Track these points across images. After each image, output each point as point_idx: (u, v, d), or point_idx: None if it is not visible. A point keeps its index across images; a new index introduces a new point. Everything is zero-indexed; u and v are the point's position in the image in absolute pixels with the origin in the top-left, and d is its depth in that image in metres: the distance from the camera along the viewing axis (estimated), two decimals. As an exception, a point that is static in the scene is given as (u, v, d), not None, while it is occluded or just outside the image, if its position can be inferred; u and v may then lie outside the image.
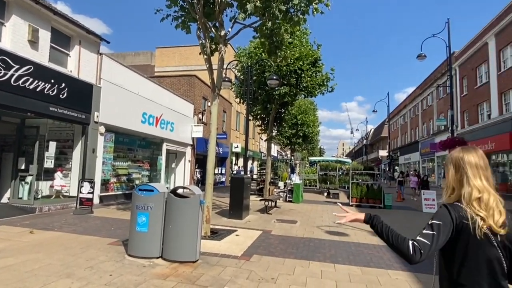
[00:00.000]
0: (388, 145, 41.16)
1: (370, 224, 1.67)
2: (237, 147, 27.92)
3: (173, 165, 17.78)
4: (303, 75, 12.62)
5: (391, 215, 11.56)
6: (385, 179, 36.27)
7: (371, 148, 67.22)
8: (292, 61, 12.27)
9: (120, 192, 12.64)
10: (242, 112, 29.53)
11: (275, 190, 15.65)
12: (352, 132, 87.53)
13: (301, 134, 26.13)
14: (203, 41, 7.27)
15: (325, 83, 13.51)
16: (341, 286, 4.31)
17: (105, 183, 11.89)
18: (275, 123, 15.81)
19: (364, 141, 60.92)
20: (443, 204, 1.56)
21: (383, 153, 51.95)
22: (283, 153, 56.20)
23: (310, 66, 12.78)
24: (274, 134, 20.02)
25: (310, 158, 26.01)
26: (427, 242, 1.43)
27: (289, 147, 29.41)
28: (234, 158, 30.18)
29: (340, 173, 23.96)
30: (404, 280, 4.65)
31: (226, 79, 11.45)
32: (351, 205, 13.89)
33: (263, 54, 11.93)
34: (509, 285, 1.47)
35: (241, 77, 14.21)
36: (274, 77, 10.78)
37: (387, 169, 40.69)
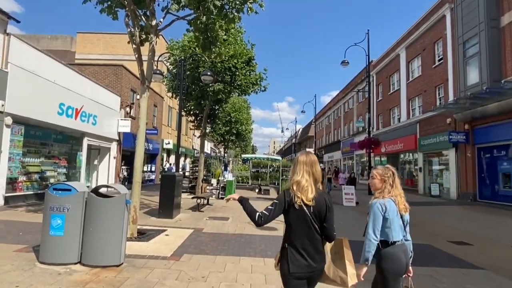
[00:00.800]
0: (314, 143, 43.90)
1: (240, 203, 2.41)
2: (169, 143, 26.91)
3: (96, 162, 16.37)
4: (237, 73, 12.68)
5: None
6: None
7: (299, 147, 70.74)
8: (227, 58, 12.24)
9: (31, 192, 11.18)
10: (175, 107, 28.56)
11: (207, 187, 15.49)
12: (282, 131, 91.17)
13: (235, 132, 26.31)
14: (132, 30, 6.79)
15: (258, 82, 13.80)
16: (270, 279, 4.44)
17: (11, 182, 10.39)
18: (208, 120, 15.62)
19: (293, 140, 63.94)
20: (284, 190, 2.38)
21: (310, 151, 55.01)
22: (217, 150, 55.88)
23: (244, 65, 12.90)
24: (207, 131, 19.76)
25: (243, 155, 26.38)
26: (267, 213, 2.26)
27: (223, 144, 29.38)
28: (165, 155, 29.03)
29: (271, 170, 24.79)
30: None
31: (157, 72, 10.92)
32: (281, 201, 14.46)
33: (197, 49, 11.66)
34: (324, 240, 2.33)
35: (174, 70, 13.68)
36: (209, 73, 10.62)
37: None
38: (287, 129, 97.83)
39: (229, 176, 15.35)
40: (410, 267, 2.82)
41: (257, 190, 18.78)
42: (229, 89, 13.09)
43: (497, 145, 14.34)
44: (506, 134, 13.60)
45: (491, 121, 14.34)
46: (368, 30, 18.61)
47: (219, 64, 12.29)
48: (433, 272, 4.99)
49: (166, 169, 24.80)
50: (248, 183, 22.98)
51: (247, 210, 2.36)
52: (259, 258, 5.42)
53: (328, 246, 2.44)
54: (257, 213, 2.28)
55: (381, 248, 2.68)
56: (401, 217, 2.75)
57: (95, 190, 5.01)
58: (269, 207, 2.29)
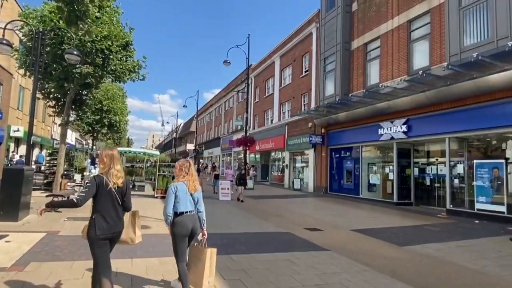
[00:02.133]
0: (195, 139, 43.79)
1: (49, 207, 3.07)
2: (18, 130, 22.18)
3: None
4: (111, 56, 11.40)
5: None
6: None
7: (180, 141, 69.35)
8: (99, 38, 10.86)
9: None
10: (28, 88, 23.70)
11: (68, 184, 13.45)
12: (163, 125, 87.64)
13: (107, 122, 23.72)
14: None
15: (136, 70, 12.75)
16: (136, 280, 4.16)
17: None
18: (73, 106, 13.56)
19: (174, 134, 62.20)
20: (94, 176, 3.06)
21: (190, 146, 54.73)
22: (84, 142, 49.31)
23: (120, 49, 11.70)
24: (71, 119, 17.18)
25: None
26: (83, 194, 2.91)
27: (91, 135, 26.09)
28: (12, 144, 23.81)
29: (148, 165, 23.41)
30: (198, 263, 4.99)
31: (4, 42, 8.80)
32: (156, 197, 13.82)
33: (61, 22, 9.93)
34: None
35: (29, 43, 11.31)
36: (75, 52, 9.18)
37: (193, 162, 43.14)
38: (167, 122, 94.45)
39: (96, 171, 13.71)
40: (205, 230, 3.86)
41: (130, 187, 17.43)
42: (100, 73, 11.63)
43: (344, 147, 17.35)
44: (350, 138, 16.59)
45: (341, 127, 17.24)
46: (249, 34, 19.68)
47: (89, 44, 10.79)
48: (291, 256, 5.62)
49: (15, 162, 20.35)
50: (120, 178, 21.03)
51: (60, 205, 3.24)
52: (126, 259, 5.01)
53: (126, 216, 3.40)
54: (73, 197, 2.87)
55: (173, 217, 3.63)
56: (191, 195, 3.74)
57: None
58: (83, 189, 2.97)
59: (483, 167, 10.12)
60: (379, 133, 14.44)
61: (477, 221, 9.73)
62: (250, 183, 19.16)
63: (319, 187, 18.82)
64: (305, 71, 21.40)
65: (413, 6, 13.24)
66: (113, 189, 3.06)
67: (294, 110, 22.14)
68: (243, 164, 21.05)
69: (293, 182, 21.24)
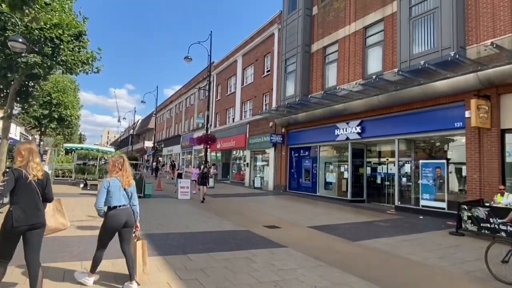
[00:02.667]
0: (154, 136, 42.39)
1: None
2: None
3: None
4: (62, 46, 10.66)
5: (150, 203, 11.93)
6: (149, 168, 37.13)
7: (137, 138, 66.76)
8: (49, 26, 10.11)
9: None
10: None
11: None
12: (119, 121, 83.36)
13: (56, 116, 22.14)
14: None
15: (90, 62, 12.06)
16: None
17: None
18: (18, 98, 12.50)
19: (131, 131, 59.68)
20: (11, 169, 3.11)
21: (149, 143, 52.91)
22: (30, 137, 45.60)
23: (72, 39, 11.00)
24: (16, 112, 15.89)
25: (65, 144, 22.50)
26: (2, 188, 2.98)
27: (38, 130, 24.19)
28: None
29: (102, 162, 22.22)
30: (153, 264, 4.83)
31: None
32: (110, 196, 13.20)
33: (3, 6, 9.08)
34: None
35: (-36, 27, 10.20)
36: (20, 40, 8.46)
37: (152, 160, 41.86)
38: (124, 118, 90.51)
39: (44, 169, 12.73)
40: (138, 223, 4.23)
41: (81, 185, 16.46)
42: (49, 63, 10.83)
43: (303, 146, 17.81)
44: (309, 138, 17.08)
45: (300, 127, 17.68)
46: (211, 31, 19.43)
47: (36, 32, 10.00)
48: (249, 254, 5.66)
49: None
50: (71, 177, 19.77)
51: None
52: (75, 262, 4.74)
53: (48, 206, 3.56)
54: None
55: (106, 211, 3.85)
56: (125, 189, 3.96)
57: None
58: (1, 183, 3.02)
59: (427, 166, 10.97)
60: (336, 134, 15.03)
61: (421, 217, 10.51)
62: (210, 182, 18.82)
63: (278, 185, 19.15)
64: (267, 71, 21.64)
65: (368, 13, 13.93)
66: (33, 182, 3.15)
67: (255, 109, 22.29)
68: (203, 162, 20.79)
69: (253, 181, 21.39)
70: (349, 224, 9.07)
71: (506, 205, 7.80)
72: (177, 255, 5.39)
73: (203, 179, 13.25)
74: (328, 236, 7.57)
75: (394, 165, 12.56)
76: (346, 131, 14.47)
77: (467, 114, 9.67)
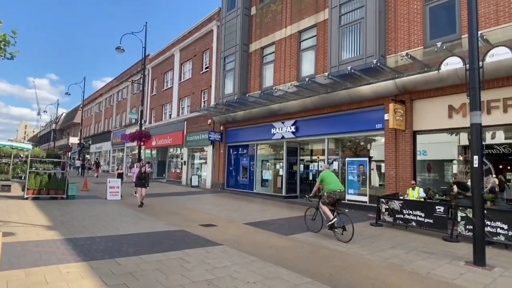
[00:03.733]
0: (80, 132, 38.88)
1: None
2: None
3: None
4: (-37, 26, 9.13)
5: (73, 204, 10.95)
6: (75, 167, 34.02)
7: (61, 134, 60.68)
8: None
9: None
10: None
11: None
12: (39, 114, 74.67)
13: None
14: None
15: (2, 46, 10.55)
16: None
17: None
18: None
19: (54, 126, 53.87)
20: None
21: (74, 140, 48.47)
22: None
23: (-23, 18, 9.48)
24: None
25: (-32, 140, 19.37)
26: None
27: None
28: None
29: (18, 160, 19.65)
30: (76, 271, 4.47)
31: None
32: (27, 198, 11.78)
33: None
34: None
35: None
36: None
37: (78, 157, 38.39)
38: (45, 111, 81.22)
39: None
40: None
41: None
42: None
43: (241, 144, 18.01)
44: (247, 136, 17.33)
45: (239, 125, 17.84)
46: (146, 22, 18.50)
47: None
48: (183, 254, 5.56)
49: None
50: (-25, 177, 17.09)
51: None
52: (-23, 276, 4.12)
53: None
54: None
55: None
56: None
57: None
58: None
59: (353, 164, 11.96)
60: (272, 133, 15.52)
61: (347, 210, 11.38)
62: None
63: (216, 183, 19.08)
64: (206, 68, 21.35)
65: (303, 18, 14.62)
66: None
67: (193, 106, 21.86)
68: (137, 160, 19.73)
69: (191, 179, 20.98)
70: (283, 219, 9.45)
71: (417, 198, 8.90)
72: (103, 260, 5.05)
73: (141, 180, 11.65)
74: (263, 231, 7.79)
75: (324, 163, 13.42)
76: (281, 130, 15.02)
77: (386, 116, 10.77)
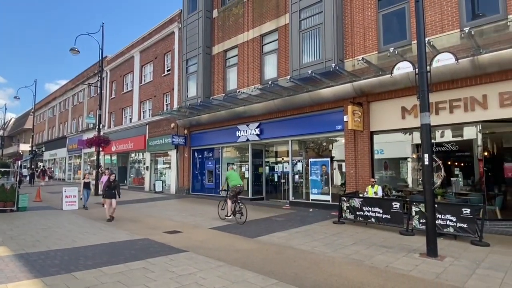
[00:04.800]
0: (32, 138, 36.22)
1: None
2: None
3: None
4: None
5: (25, 217, 10.17)
6: (23, 176, 31.64)
7: (9, 141, 56.19)
8: None
9: None
10: None
11: None
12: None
13: None
14: None
15: None
16: None
17: None
18: None
19: (2, 132, 49.71)
20: None
21: (25, 147, 45.08)
22: None
23: None
24: None
25: None
26: None
27: None
28: None
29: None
30: (28, 290, 4.16)
31: None
32: (-31, 213, 10.74)
33: None
34: None
35: None
36: None
37: (29, 166, 35.77)
38: (-10, 117, 74.73)
39: None
40: None
41: None
42: None
43: (206, 147, 17.81)
44: (212, 139, 17.17)
45: (203, 128, 17.63)
46: (103, 23, 17.73)
47: None
48: (146, 263, 5.37)
49: None
50: None
51: None
52: None
53: None
54: None
55: None
56: None
57: None
58: None
59: (315, 164, 12.30)
60: (237, 135, 15.52)
61: (311, 210, 11.72)
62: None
63: (181, 188, 18.68)
64: (168, 70, 20.86)
65: (264, 22, 14.80)
66: None
67: (155, 110, 21.24)
68: (96, 167, 18.80)
69: (154, 185, 20.35)
70: (249, 222, 9.47)
71: (376, 195, 9.35)
72: (59, 275, 4.74)
73: (111, 190, 10.17)
74: (230, 235, 7.76)
75: (289, 164, 13.66)
76: (246, 132, 15.07)
77: (345, 118, 11.21)
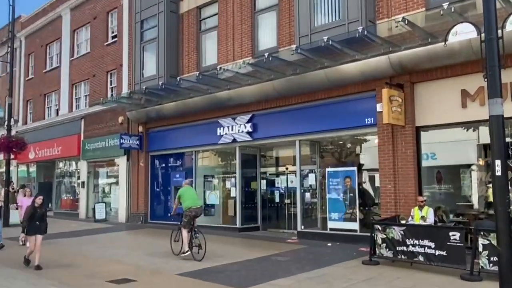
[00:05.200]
0: None
1: None
2: None
3: None
4: None
5: None
6: None
7: None
8: None
9: None
10: None
11: None
12: None
13: None
14: None
15: None
16: None
17: None
18: None
19: None
20: None
21: None
22: None
23: None
24: None
25: None
26: None
27: None
28: None
29: None
30: None
31: None
32: None
33: None
34: None
35: None
36: None
37: None
38: None
39: None
40: None
41: None
42: None
43: (172, 153, 17.82)
44: (181, 140, 17.15)
45: (167, 124, 17.63)
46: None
47: None
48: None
49: None
50: None
51: None
52: None
53: None
54: None
55: None
56: None
57: None
58: None
59: (336, 176, 12.37)
60: (219, 134, 15.55)
61: (330, 244, 11.77)
62: (16, 216, 16.80)
63: (135, 214, 18.62)
64: (113, 37, 20.85)
65: (258, -36, 14.89)
66: None
67: (95, 96, 21.17)
68: (5, 183, 18.69)
69: (93, 210, 20.26)
70: (238, 264, 9.46)
71: (425, 221, 9.40)
72: None
73: (35, 221, 9.41)
74: (208, 285, 7.74)
75: (296, 176, 13.70)
76: (232, 129, 15.12)
77: (378, 107, 11.27)
